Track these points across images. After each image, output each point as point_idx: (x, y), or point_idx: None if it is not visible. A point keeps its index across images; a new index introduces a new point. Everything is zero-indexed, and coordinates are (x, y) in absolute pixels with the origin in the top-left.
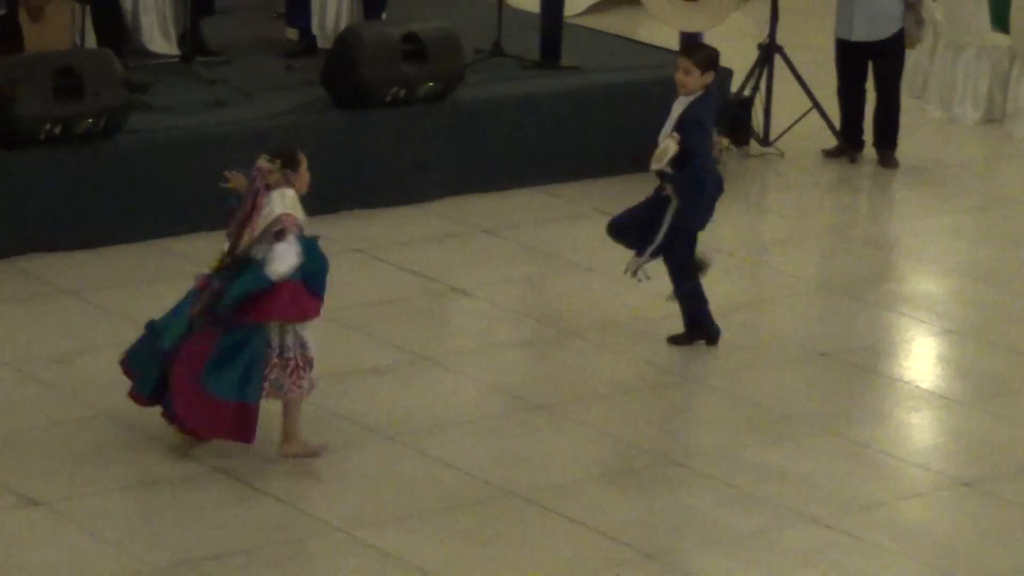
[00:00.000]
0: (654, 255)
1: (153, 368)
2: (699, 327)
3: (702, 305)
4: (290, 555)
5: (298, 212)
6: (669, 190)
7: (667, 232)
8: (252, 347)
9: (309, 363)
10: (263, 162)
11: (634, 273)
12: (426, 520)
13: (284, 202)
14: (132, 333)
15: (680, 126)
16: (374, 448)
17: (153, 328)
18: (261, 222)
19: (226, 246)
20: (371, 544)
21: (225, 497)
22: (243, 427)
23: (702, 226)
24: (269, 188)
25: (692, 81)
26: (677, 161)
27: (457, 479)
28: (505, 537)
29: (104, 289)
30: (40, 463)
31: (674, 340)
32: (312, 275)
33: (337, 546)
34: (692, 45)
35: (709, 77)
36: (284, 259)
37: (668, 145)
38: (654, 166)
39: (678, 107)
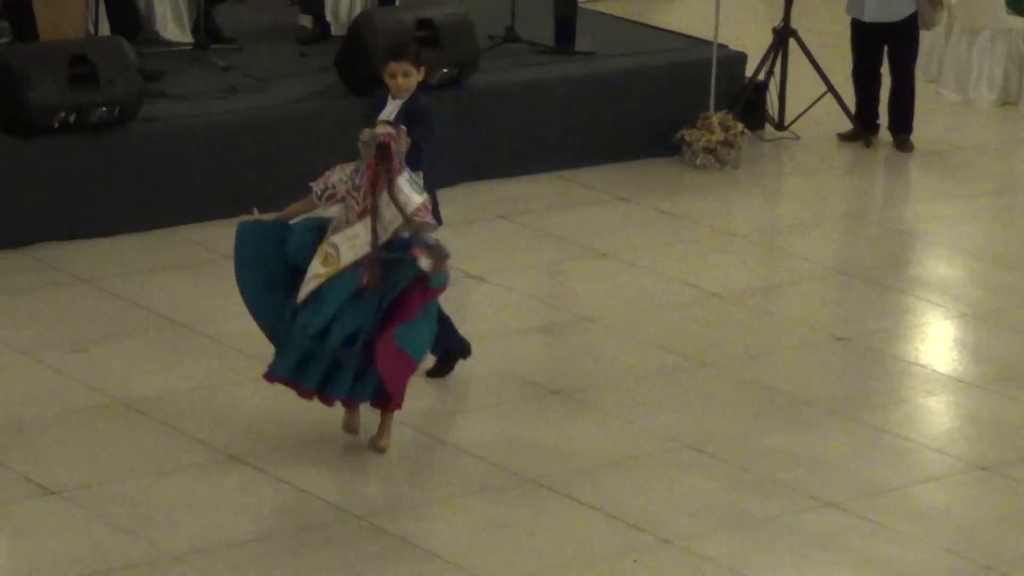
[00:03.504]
0: None
1: (320, 363)
2: (459, 350)
3: (451, 329)
4: (306, 542)
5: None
6: None
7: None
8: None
9: None
10: (386, 129)
11: None
12: (442, 507)
13: (414, 186)
14: (147, 321)
15: (408, 120)
16: None
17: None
18: (398, 209)
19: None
20: (387, 531)
21: (241, 484)
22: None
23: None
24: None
25: (413, 82)
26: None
27: (473, 465)
28: (521, 523)
29: (119, 277)
30: (55, 451)
31: (434, 373)
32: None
33: (353, 533)
34: (400, 46)
35: (423, 73)
36: (429, 259)
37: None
38: None
39: (391, 109)
